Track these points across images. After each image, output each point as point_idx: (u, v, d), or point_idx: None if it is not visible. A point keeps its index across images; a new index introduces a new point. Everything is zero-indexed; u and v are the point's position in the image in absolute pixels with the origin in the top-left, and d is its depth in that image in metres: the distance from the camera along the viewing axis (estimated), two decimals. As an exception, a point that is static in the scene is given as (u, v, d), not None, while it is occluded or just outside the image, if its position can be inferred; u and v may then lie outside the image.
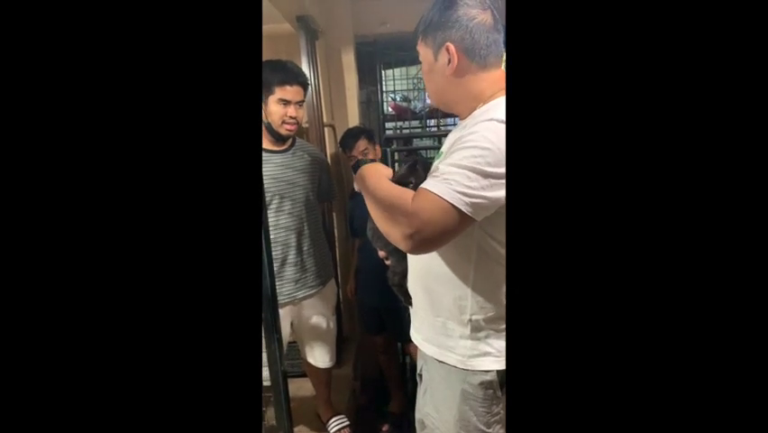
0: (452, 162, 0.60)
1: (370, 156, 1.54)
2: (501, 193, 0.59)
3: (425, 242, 0.60)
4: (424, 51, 0.71)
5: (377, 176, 0.71)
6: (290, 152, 1.29)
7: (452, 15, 0.65)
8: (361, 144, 1.53)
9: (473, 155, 0.58)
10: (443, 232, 0.60)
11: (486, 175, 0.58)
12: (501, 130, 0.58)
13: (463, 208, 0.58)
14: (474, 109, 0.67)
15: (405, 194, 0.63)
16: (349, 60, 1.77)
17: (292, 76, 1.19)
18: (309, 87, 1.29)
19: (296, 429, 1.46)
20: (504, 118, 0.58)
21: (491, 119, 0.59)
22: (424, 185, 0.61)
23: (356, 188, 0.77)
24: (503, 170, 0.57)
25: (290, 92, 1.18)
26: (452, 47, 0.65)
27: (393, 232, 0.63)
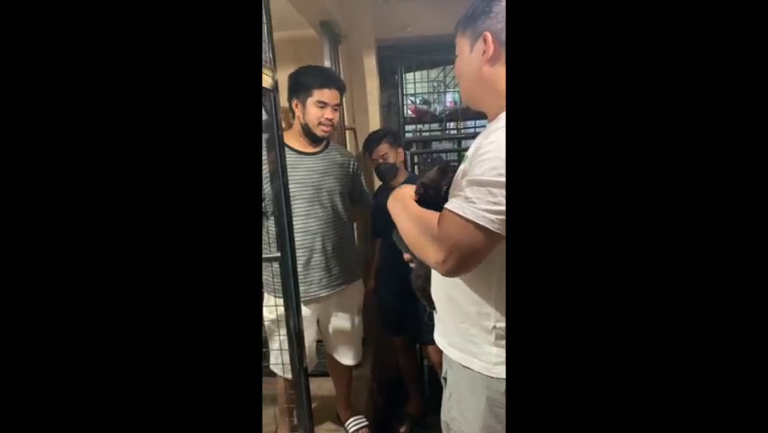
0: (473, 179, 0.59)
1: (390, 159, 1.55)
2: None
3: (458, 265, 0.61)
4: (461, 43, 0.72)
5: (403, 202, 0.73)
6: (322, 154, 1.32)
7: (494, 6, 0.66)
8: (382, 148, 1.55)
9: (493, 167, 0.57)
10: (475, 253, 0.60)
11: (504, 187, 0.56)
12: None
13: (491, 227, 0.57)
14: (502, 109, 0.66)
15: (431, 218, 0.64)
16: (371, 64, 1.78)
17: (331, 80, 1.26)
18: (346, 91, 1.34)
19: (315, 428, 1.48)
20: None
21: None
22: (447, 206, 0.61)
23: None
24: None
25: (328, 95, 1.24)
26: (489, 36, 0.66)
27: (427, 258, 0.65)
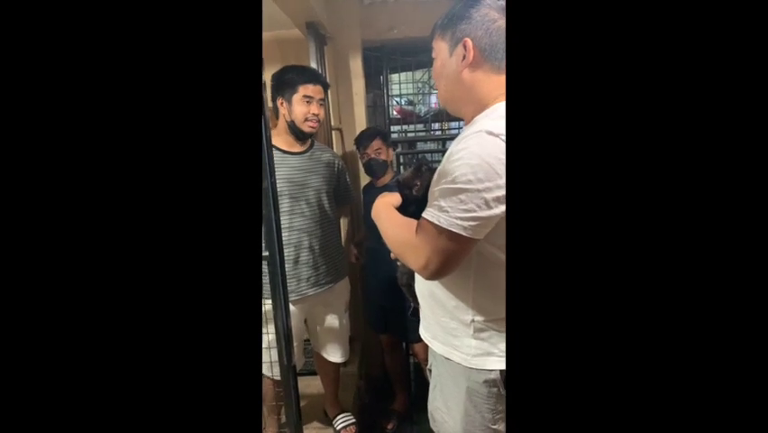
0: (445, 187, 0.62)
1: (383, 156, 1.57)
2: (498, 207, 0.60)
3: (439, 270, 0.65)
4: (439, 47, 0.72)
5: (386, 211, 0.77)
6: (307, 153, 1.33)
7: (474, 13, 0.67)
8: (376, 144, 1.58)
9: (462, 173, 0.60)
10: (452, 258, 0.64)
11: (478, 192, 0.60)
12: (490, 142, 0.60)
13: (464, 233, 0.61)
14: (478, 113, 0.69)
15: (410, 227, 0.68)
16: (356, 65, 1.80)
17: (315, 76, 1.29)
18: (329, 89, 1.36)
19: (303, 426, 1.49)
20: (494, 130, 0.60)
21: (480, 131, 0.61)
22: (424, 215, 0.65)
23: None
24: (496, 182, 0.59)
25: (313, 90, 1.26)
26: (469, 42, 0.67)
27: (409, 264, 0.69)
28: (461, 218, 0.60)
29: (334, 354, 1.45)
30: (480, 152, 0.60)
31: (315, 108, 1.26)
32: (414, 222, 0.68)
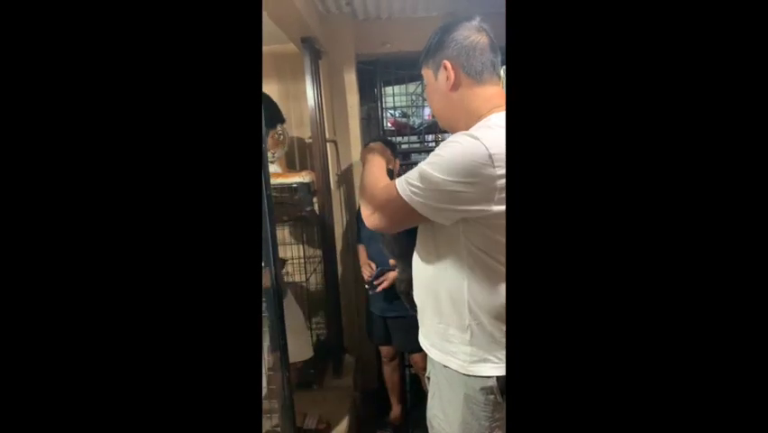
0: (420, 166, 0.70)
1: (389, 165, 1.60)
2: (447, 200, 0.67)
3: (377, 224, 0.76)
4: (426, 74, 0.80)
5: (377, 164, 0.86)
6: None
7: (448, 37, 0.74)
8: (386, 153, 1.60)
9: (435, 162, 0.67)
10: (394, 218, 0.74)
11: (432, 180, 0.67)
12: (470, 144, 0.65)
13: (409, 201, 0.69)
14: (472, 125, 0.72)
15: (381, 180, 0.78)
16: (351, 79, 1.83)
17: (280, 114, 1.34)
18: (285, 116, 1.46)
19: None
20: (477, 134, 0.65)
21: (464, 134, 0.67)
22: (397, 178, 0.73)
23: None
24: (458, 179, 0.65)
25: (281, 128, 1.34)
26: (448, 63, 0.73)
27: (362, 207, 0.79)
28: (413, 192, 0.69)
29: (300, 352, 1.44)
30: (458, 150, 0.66)
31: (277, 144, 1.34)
32: (390, 183, 0.75)
